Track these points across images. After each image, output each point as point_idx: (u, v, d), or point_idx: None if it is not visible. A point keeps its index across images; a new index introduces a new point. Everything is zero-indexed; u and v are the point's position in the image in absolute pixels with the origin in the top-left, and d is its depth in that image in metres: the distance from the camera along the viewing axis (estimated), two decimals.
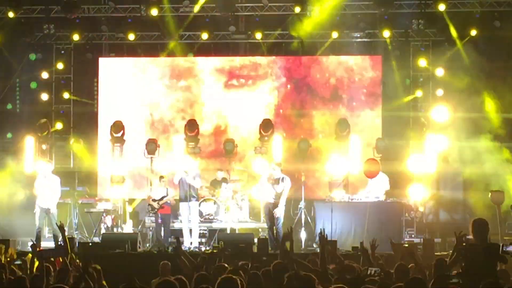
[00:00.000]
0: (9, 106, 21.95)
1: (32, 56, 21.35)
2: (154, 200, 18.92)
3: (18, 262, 10.72)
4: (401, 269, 9.40)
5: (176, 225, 19.11)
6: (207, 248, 16.80)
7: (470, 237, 9.52)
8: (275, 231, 17.33)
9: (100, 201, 19.89)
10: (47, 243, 17.26)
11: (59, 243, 15.38)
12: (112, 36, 21.46)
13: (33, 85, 21.56)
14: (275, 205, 17.51)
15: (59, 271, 9.40)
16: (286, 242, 9.79)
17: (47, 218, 17.87)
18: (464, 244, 9.35)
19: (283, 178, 17.68)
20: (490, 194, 17.60)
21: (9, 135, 21.50)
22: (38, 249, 10.44)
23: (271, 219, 17.54)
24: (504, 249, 9.63)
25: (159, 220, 18.73)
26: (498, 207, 17.18)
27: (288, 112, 21.74)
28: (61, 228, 11.09)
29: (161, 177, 19.36)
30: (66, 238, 10.89)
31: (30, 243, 16.95)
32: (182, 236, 17.78)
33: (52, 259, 10.36)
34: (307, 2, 20.16)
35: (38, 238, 17.40)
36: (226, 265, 9.91)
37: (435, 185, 20.55)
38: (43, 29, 20.86)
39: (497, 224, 16.82)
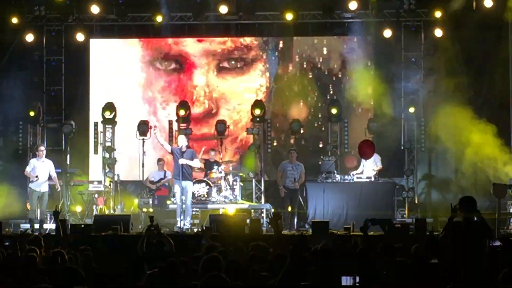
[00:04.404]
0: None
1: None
2: (152, 182, 19.01)
3: (7, 243, 10.68)
4: (387, 248, 9.44)
5: (170, 206, 19.05)
6: (199, 230, 16.79)
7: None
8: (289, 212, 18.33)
9: (92, 182, 19.88)
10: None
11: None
12: (103, 17, 21.31)
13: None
14: (295, 188, 18.68)
15: (53, 254, 9.36)
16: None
17: (39, 201, 17.79)
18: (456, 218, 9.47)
19: (298, 164, 18.87)
20: (492, 187, 16.96)
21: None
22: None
23: (290, 202, 18.61)
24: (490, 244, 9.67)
25: (155, 202, 18.77)
26: (499, 200, 16.81)
27: (280, 93, 21.71)
28: (56, 213, 11.03)
29: (159, 159, 19.43)
30: (59, 223, 10.89)
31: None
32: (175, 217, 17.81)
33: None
34: None
35: (32, 221, 17.43)
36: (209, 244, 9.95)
37: (427, 165, 20.64)
38: (33, 11, 20.73)
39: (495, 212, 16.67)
